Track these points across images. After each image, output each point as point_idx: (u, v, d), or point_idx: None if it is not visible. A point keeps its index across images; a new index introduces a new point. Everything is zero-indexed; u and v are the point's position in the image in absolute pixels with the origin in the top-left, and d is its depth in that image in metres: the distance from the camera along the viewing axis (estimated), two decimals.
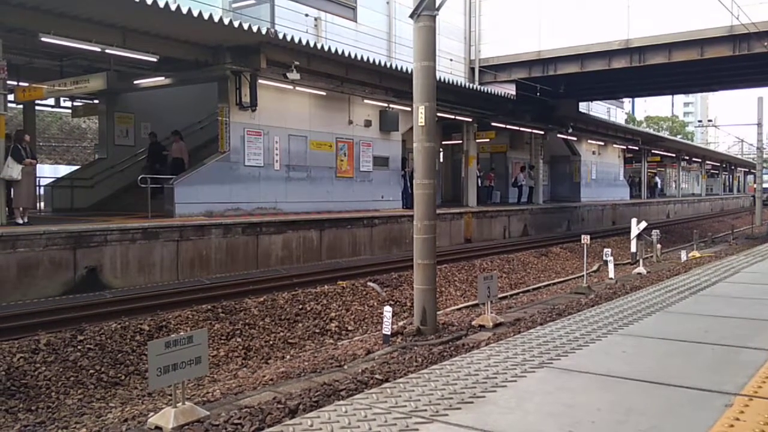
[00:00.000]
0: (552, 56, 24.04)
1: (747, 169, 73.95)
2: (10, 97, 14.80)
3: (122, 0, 11.80)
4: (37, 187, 16.18)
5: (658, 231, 17.04)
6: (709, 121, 77.21)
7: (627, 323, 5.46)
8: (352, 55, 17.45)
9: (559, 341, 4.80)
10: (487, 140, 27.62)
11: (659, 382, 3.79)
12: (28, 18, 12.52)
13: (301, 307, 10.85)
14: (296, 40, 15.68)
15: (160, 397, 6.83)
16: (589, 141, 36.08)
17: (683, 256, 15.30)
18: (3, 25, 12.21)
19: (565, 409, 3.35)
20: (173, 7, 12.56)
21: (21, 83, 16.50)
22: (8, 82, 13.11)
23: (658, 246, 16.67)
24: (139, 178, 15.28)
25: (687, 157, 54.44)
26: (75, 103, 21.34)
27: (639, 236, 15.92)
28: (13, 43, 13.51)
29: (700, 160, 58.59)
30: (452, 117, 23.25)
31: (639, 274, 12.76)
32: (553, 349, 4.56)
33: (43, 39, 12.83)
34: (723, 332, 5.12)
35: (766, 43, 19.01)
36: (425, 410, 3.32)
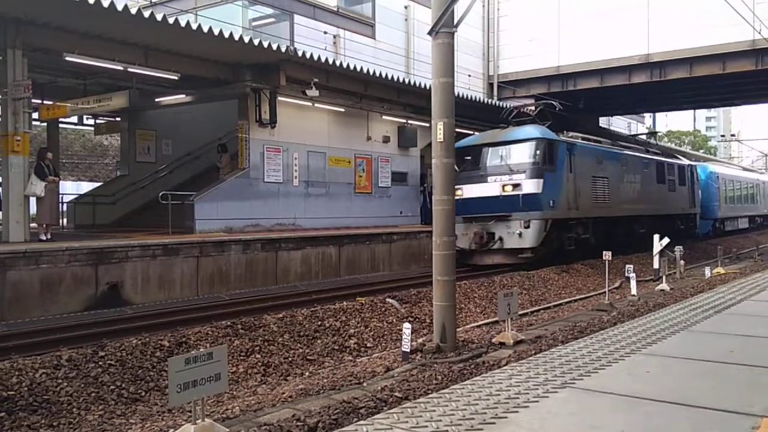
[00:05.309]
0: (571, 71, 24.02)
1: None
2: (35, 115, 15.06)
3: (145, 20, 11.99)
4: (60, 204, 16.40)
5: (681, 247, 16.81)
6: (732, 135, 76.43)
7: (650, 342, 5.38)
8: (371, 72, 17.55)
9: (582, 360, 4.74)
10: None
11: (684, 403, 3.72)
12: (53, 38, 12.78)
13: (320, 323, 10.83)
14: (315, 58, 15.82)
15: (180, 414, 6.82)
16: None
17: (707, 272, 15.06)
18: (28, 45, 12.46)
19: (588, 430, 3.30)
20: (195, 27, 12.75)
21: (45, 101, 16.80)
22: (33, 100, 13.34)
23: (682, 262, 16.44)
24: (160, 194, 15.44)
25: None
26: (98, 121, 21.67)
27: (662, 252, 15.72)
28: (38, 62, 13.78)
29: None
30: (471, 133, 23.22)
31: (662, 291, 12.57)
32: (576, 368, 4.50)
33: (67, 58, 13.08)
34: (749, 352, 5.02)
35: None
36: (447, 431, 3.28)
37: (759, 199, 39.31)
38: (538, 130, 17.74)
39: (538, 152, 17.11)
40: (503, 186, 17.07)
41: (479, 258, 17.39)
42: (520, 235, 16.77)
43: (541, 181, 16.90)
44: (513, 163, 17.11)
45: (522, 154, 17.29)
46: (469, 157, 17.92)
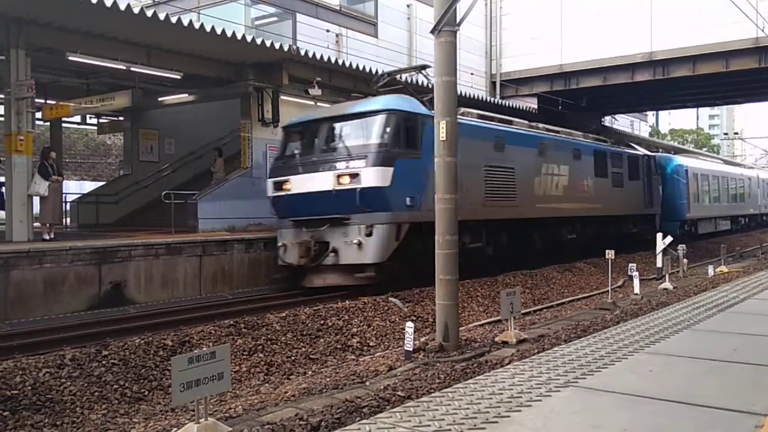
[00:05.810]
0: (574, 70, 23.98)
1: None
2: (38, 114, 15.09)
3: (148, 19, 11.99)
4: (63, 203, 16.43)
5: (684, 246, 16.79)
6: (735, 133, 76.30)
7: (654, 341, 5.37)
8: (373, 71, 17.52)
9: (585, 359, 4.73)
10: None
11: (687, 402, 3.71)
12: (56, 37, 12.79)
13: (322, 322, 10.83)
14: (318, 57, 15.82)
15: (183, 413, 6.83)
16: None
17: (710, 271, 15.04)
18: (31, 45, 12.47)
19: (591, 429, 3.29)
20: (197, 26, 12.75)
21: (48, 101, 16.84)
22: (36, 100, 13.37)
23: (685, 261, 16.42)
24: (163, 194, 15.46)
25: None
26: (101, 120, 21.70)
27: (665, 251, 15.71)
28: (40, 61, 13.80)
29: None
30: None
31: (665, 289, 12.56)
32: (579, 367, 4.49)
33: (70, 58, 13.11)
34: (752, 351, 5.02)
35: None
36: (449, 430, 3.28)
37: (745, 197, 34.98)
38: (392, 101, 12.47)
39: (387, 129, 11.86)
40: (338, 177, 11.79)
41: (310, 278, 12.63)
42: (359, 245, 11.76)
43: (390, 170, 11.61)
44: (352, 144, 11.88)
45: (365, 132, 12.06)
46: (316, 139, 12.81)
